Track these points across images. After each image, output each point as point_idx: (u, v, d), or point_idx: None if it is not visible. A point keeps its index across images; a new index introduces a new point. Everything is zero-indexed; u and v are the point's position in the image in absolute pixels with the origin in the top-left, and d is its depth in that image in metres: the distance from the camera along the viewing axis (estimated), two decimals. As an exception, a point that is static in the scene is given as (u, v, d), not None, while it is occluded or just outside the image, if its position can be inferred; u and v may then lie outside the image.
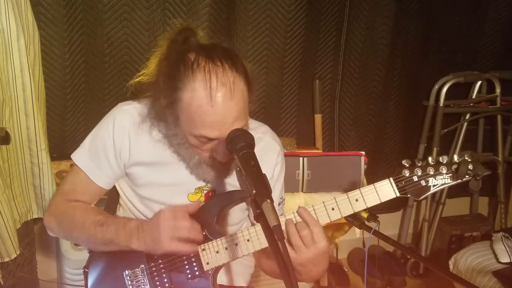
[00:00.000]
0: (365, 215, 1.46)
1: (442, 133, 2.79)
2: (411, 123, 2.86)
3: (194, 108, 1.10)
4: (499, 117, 2.84)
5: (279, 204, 1.41)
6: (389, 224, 3.03)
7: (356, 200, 1.20)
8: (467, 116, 2.87)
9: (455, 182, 1.21)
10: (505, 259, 2.23)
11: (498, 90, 2.77)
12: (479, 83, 2.82)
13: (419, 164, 1.20)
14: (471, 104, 2.83)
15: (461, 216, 3.07)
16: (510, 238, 2.31)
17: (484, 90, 2.85)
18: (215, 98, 1.08)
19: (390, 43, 2.59)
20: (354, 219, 1.49)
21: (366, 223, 1.48)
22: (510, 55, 2.85)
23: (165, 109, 1.16)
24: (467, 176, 1.20)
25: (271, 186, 1.35)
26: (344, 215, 1.21)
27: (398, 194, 1.20)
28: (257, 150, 1.10)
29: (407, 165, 1.20)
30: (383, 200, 1.20)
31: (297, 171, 2.30)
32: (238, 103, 1.12)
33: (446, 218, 2.99)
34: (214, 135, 1.12)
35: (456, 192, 3.06)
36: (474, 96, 2.84)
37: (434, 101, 2.78)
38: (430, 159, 1.21)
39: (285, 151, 2.37)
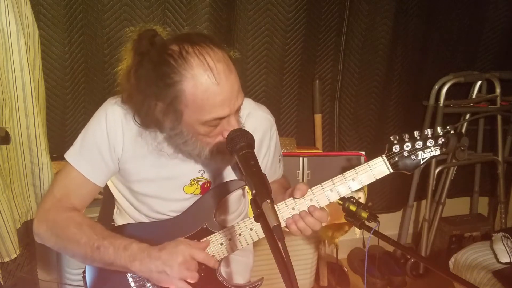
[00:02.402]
0: (365, 215, 1.46)
1: (442, 133, 2.79)
2: (411, 123, 2.86)
3: (200, 93, 1.07)
4: (499, 117, 2.84)
5: (279, 162, 1.48)
6: (389, 224, 3.03)
7: (353, 180, 1.24)
8: (467, 116, 2.87)
9: (443, 154, 1.27)
10: (505, 259, 2.23)
11: (498, 90, 2.77)
12: (479, 83, 2.82)
13: (407, 139, 1.24)
14: (471, 104, 2.83)
15: (461, 216, 3.07)
16: (510, 238, 2.31)
17: (484, 90, 2.85)
18: (218, 76, 1.07)
19: (390, 43, 2.59)
20: (354, 219, 1.49)
21: (366, 223, 1.48)
22: (510, 55, 2.85)
23: (164, 112, 1.12)
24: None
25: (273, 154, 1.40)
26: (342, 195, 1.25)
27: (391, 170, 1.24)
28: (250, 128, 1.12)
29: (395, 141, 1.23)
30: (378, 178, 1.24)
31: (297, 171, 2.30)
32: (236, 75, 1.13)
33: (446, 218, 2.99)
34: (226, 113, 1.11)
35: (456, 192, 3.07)
36: (474, 96, 2.84)
37: (434, 101, 2.78)
38: (416, 133, 1.24)
39: (285, 151, 2.38)
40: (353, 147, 2.74)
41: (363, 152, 2.41)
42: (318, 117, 2.63)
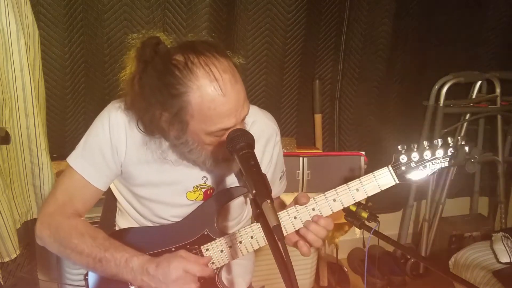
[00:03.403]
0: (365, 215, 1.46)
1: (442, 133, 2.79)
2: (411, 123, 2.86)
3: (207, 104, 1.06)
4: (499, 117, 2.84)
5: (280, 178, 1.45)
6: (389, 224, 3.03)
7: (357, 190, 1.19)
8: (467, 116, 2.87)
9: (452, 166, 1.22)
10: (505, 259, 2.23)
11: (498, 90, 2.77)
12: (479, 83, 2.82)
13: (415, 149, 1.19)
14: (471, 104, 2.83)
15: (461, 216, 3.08)
16: (510, 238, 2.31)
17: (484, 90, 2.85)
18: (224, 87, 1.06)
19: (390, 43, 2.59)
20: (354, 219, 1.49)
21: (366, 223, 1.48)
22: (510, 55, 2.85)
23: (170, 121, 1.11)
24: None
25: (275, 165, 1.38)
26: (345, 206, 1.21)
27: (397, 181, 1.19)
28: (254, 135, 1.10)
29: (403, 151, 1.19)
30: (383, 189, 1.20)
31: (297, 171, 2.30)
32: (242, 85, 1.12)
33: (446, 218, 2.99)
34: (232, 123, 1.10)
35: (456, 192, 3.07)
36: (474, 96, 2.85)
37: (434, 101, 2.78)
38: (425, 143, 1.20)
39: (285, 151, 2.38)
40: (353, 147, 2.74)
41: (363, 152, 2.41)
42: (318, 117, 2.63)
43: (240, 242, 1.24)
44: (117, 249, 1.17)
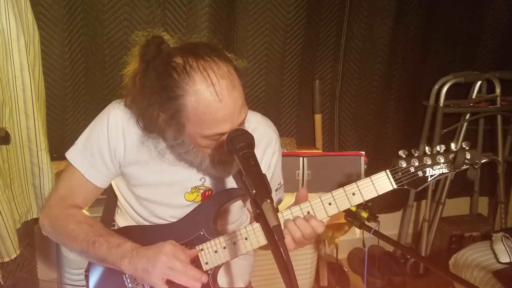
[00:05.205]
0: (365, 215, 1.46)
1: (442, 133, 2.79)
2: (411, 123, 2.86)
3: (202, 109, 1.08)
4: (499, 117, 2.84)
5: (276, 190, 1.43)
6: (389, 224, 3.03)
7: (353, 194, 1.18)
8: (467, 116, 2.87)
9: (452, 171, 1.19)
10: (505, 259, 2.23)
11: (498, 90, 2.77)
12: (479, 83, 2.82)
13: (416, 155, 1.18)
14: (471, 104, 2.83)
15: (461, 216, 3.07)
16: (510, 238, 2.31)
17: (484, 90, 2.85)
18: (221, 93, 1.07)
19: (390, 43, 2.59)
20: (354, 219, 1.49)
21: (366, 223, 1.48)
22: (510, 55, 2.85)
23: (167, 122, 1.13)
24: (464, 165, 1.18)
25: (271, 174, 1.37)
26: (341, 210, 1.20)
27: (395, 186, 1.18)
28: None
29: (404, 156, 1.18)
30: (380, 193, 1.18)
31: (297, 171, 2.30)
32: (240, 91, 1.12)
33: (446, 218, 2.99)
34: (227, 129, 1.11)
35: (456, 192, 3.07)
36: (474, 96, 2.84)
37: (434, 101, 2.78)
38: (427, 148, 1.19)
39: (285, 151, 2.38)
40: (353, 147, 2.74)
41: (363, 152, 2.41)
42: (318, 117, 2.63)
43: (235, 243, 1.23)
44: (112, 235, 1.22)
